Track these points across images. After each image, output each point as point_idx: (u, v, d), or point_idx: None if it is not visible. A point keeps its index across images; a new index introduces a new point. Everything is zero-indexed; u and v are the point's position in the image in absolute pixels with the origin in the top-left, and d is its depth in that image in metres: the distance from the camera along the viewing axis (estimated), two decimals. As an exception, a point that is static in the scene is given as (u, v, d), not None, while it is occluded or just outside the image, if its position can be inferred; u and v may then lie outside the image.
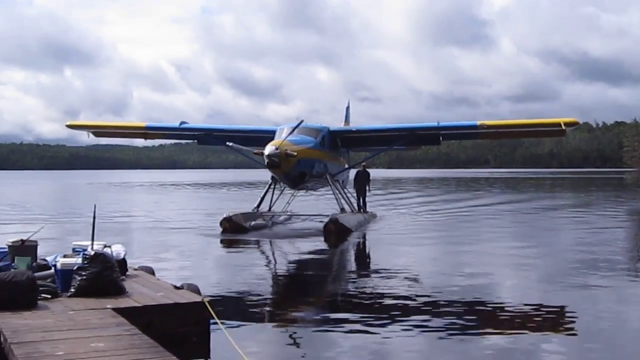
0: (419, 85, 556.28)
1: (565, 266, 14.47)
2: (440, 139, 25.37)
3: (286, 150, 21.11)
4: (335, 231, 20.65)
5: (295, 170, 22.10)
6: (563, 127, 21.96)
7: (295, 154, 21.38)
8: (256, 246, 19.06)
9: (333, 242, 19.55)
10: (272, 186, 24.72)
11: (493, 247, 18.43)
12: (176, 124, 26.61)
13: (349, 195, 26.50)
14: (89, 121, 30.53)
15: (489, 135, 24.73)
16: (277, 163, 21.10)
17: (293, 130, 21.87)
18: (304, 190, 26.22)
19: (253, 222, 23.06)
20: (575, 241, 19.42)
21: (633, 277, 13.50)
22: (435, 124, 24.24)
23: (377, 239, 21.29)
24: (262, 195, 24.63)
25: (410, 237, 20.86)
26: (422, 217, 28.56)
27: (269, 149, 20.92)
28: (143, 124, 27.18)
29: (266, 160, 21.08)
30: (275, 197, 25.49)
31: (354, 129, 26.88)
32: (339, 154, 26.63)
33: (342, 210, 23.64)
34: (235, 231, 21.14)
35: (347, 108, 33.18)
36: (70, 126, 28.49)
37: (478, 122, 23.01)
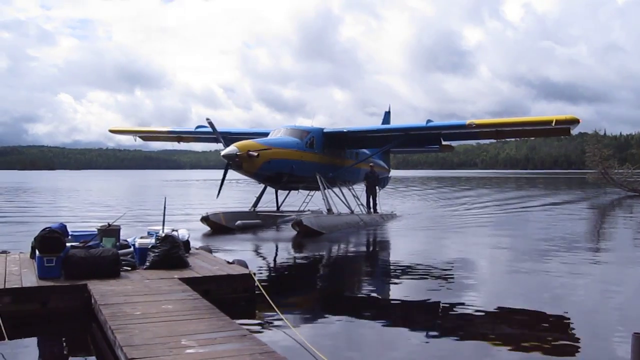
0: (415, 103, 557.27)
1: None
2: (442, 139, 20.58)
3: (248, 150, 16.65)
4: (302, 232, 16.38)
5: (265, 171, 17.37)
6: (554, 124, 17.33)
7: (257, 154, 16.69)
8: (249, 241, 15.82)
9: (296, 242, 15.36)
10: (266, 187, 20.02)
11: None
12: (192, 128, 23.57)
13: (350, 194, 21.44)
14: (126, 127, 27.08)
15: (488, 134, 20.16)
16: (238, 163, 16.65)
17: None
18: (296, 191, 21.08)
19: (240, 221, 18.61)
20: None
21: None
22: (423, 124, 19.67)
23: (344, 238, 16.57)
24: (258, 195, 20.48)
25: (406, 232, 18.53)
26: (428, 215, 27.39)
27: (227, 149, 16.59)
28: (168, 128, 24.50)
29: (225, 161, 16.80)
30: (282, 197, 21.33)
31: (345, 130, 20.39)
32: (341, 154, 21.03)
33: (329, 210, 18.77)
34: (215, 229, 17.46)
35: (387, 113, 27.46)
36: (112, 131, 25.19)
37: (467, 122, 18.90)
